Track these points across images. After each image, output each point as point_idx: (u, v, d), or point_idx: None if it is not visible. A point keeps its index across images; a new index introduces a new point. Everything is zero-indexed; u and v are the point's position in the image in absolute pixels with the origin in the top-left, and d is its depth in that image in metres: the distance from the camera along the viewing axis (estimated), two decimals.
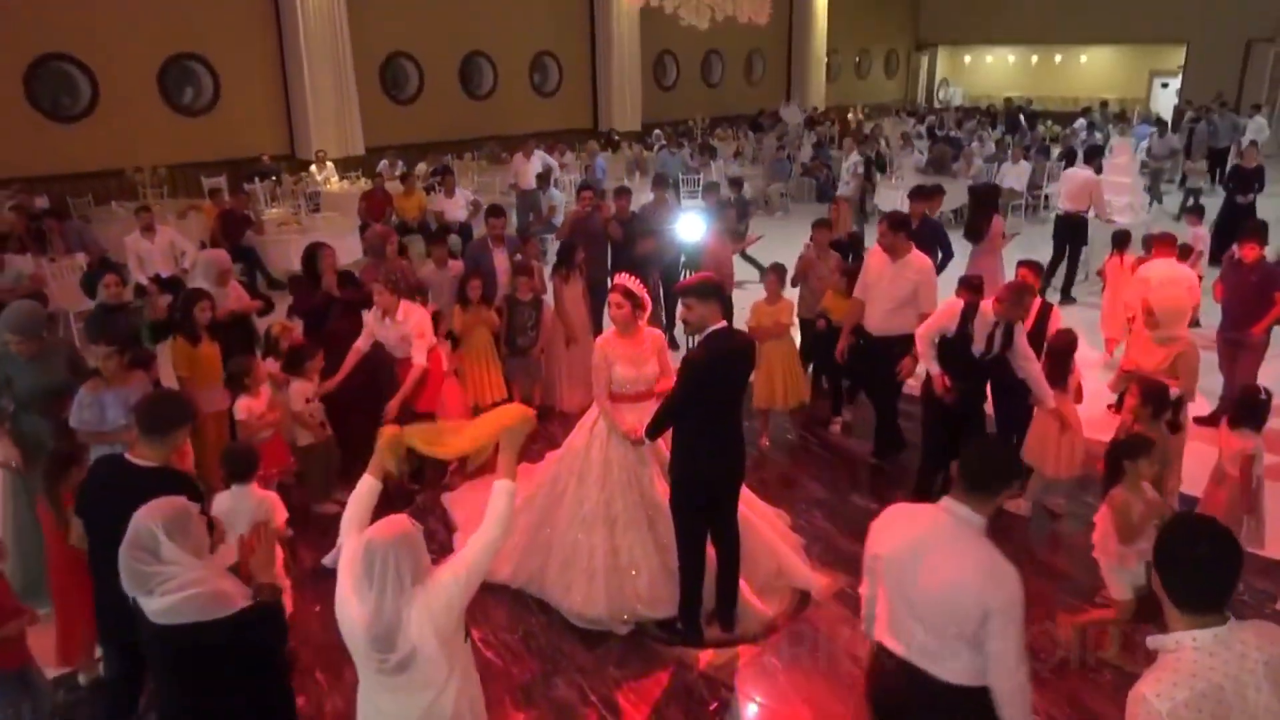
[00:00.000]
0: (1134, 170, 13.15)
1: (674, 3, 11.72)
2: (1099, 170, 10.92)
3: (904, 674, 2.90)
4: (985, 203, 9.00)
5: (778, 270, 6.91)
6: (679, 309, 4.47)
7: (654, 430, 4.55)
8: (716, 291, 4.35)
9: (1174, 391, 5.10)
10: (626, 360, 4.79)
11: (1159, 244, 7.44)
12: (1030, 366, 5.40)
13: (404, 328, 5.97)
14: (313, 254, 6.69)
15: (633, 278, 4.84)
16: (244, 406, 5.43)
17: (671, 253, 8.36)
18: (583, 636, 4.70)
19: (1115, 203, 11.22)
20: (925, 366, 5.69)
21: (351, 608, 2.71)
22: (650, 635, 4.69)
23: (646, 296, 4.85)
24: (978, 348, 5.35)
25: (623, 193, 8.75)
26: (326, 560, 2.93)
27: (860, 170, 14.01)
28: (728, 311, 5.01)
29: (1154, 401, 4.78)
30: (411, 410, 5.89)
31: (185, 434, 3.54)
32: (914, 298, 6.20)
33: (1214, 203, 15.45)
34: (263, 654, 2.91)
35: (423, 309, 6.13)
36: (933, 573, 2.77)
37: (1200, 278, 7.83)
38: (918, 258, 6.28)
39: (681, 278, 7.89)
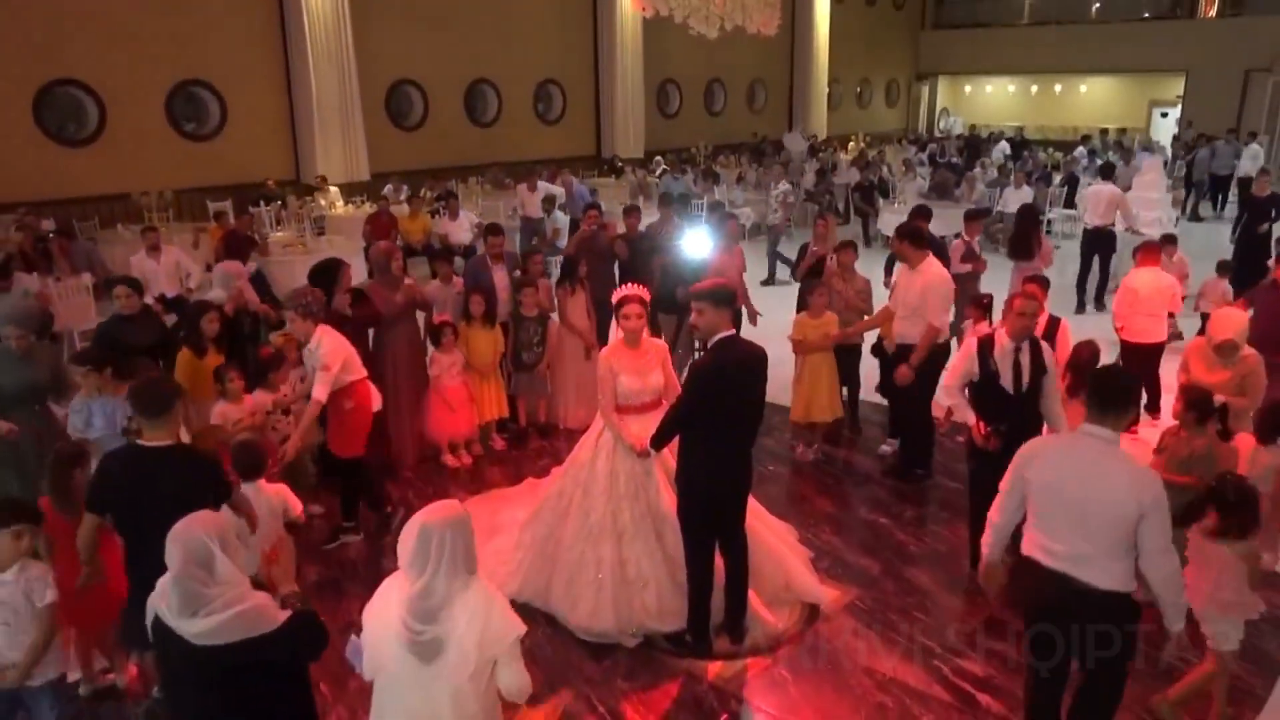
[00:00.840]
0: (1162, 186, 13.53)
1: (684, 12, 11.69)
2: (1127, 187, 11.53)
3: (1056, 582, 3.29)
4: (1030, 221, 9.30)
5: (827, 284, 6.96)
6: (691, 314, 4.41)
7: (660, 440, 4.51)
8: (730, 299, 4.34)
9: (1218, 398, 5.04)
10: (632, 371, 4.78)
11: (1144, 254, 7.55)
12: (1054, 396, 5.08)
13: (313, 356, 5.47)
14: (333, 267, 6.45)
15: (640, 286, 4.84)
16: (220, 412, 5.48)
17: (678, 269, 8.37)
18: (590, 648, 4.63)
19: (1145, 216, 11.96)
20: (960, 417, 5.35)
21: (392, 591, 2.69)
22: (659, 648, 4.63)
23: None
24: (1007, 382, 4.93)
25: (632, 211, 8.76)
26: (348, 653, 2.85)
27: (790, 199, 14.03)
28: (736, 322, 5.00)
29: (1198, 408, 4.70)
30: (354, 459, 5.69)
31: (181, 409, 3.70)
32: (923, 305, 6.18)
33: (1213, 229, 15.57)
34: (302, 664, 2.86)
35: (339, 337, 5.57)
36: (1088, 487, 3.22)
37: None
38: (930, 265, 6.26)
39: None
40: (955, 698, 4.26)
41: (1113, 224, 10.90)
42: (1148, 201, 12.52)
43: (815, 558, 5.47)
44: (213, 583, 2.58)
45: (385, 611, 2.69)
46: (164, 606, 2.64)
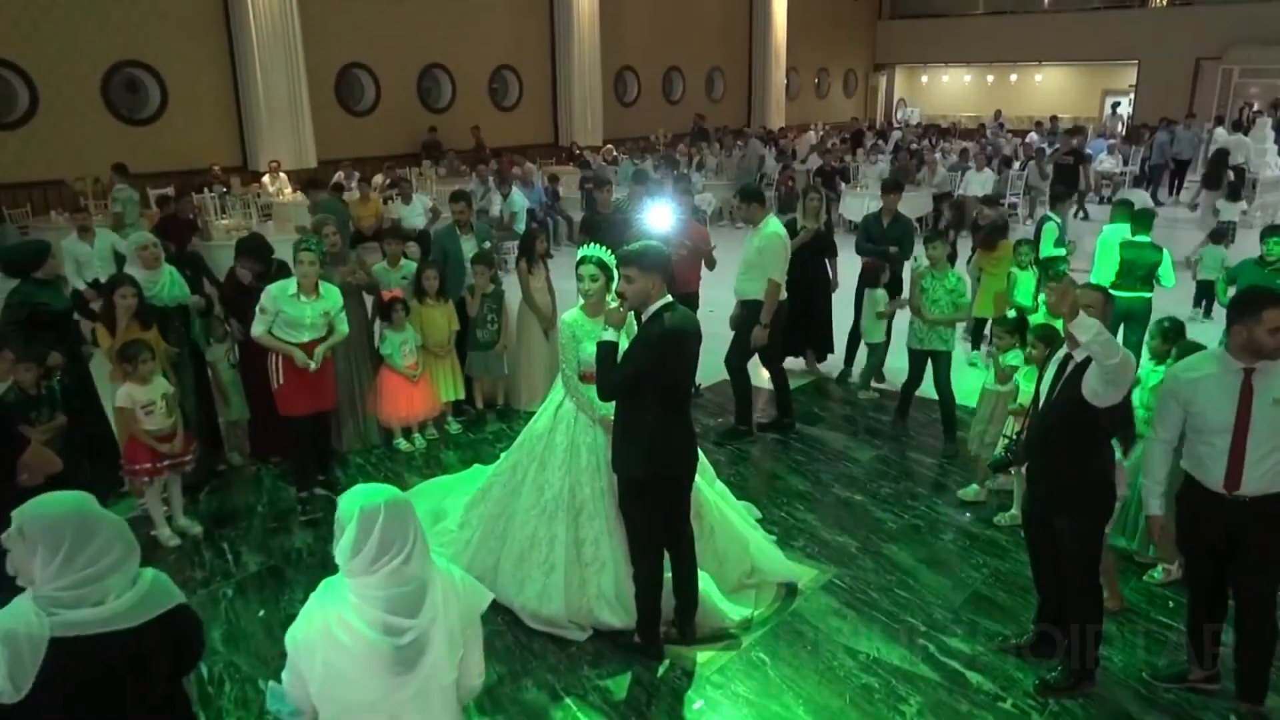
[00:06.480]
0: (1270, 138, 17.04)
1: None
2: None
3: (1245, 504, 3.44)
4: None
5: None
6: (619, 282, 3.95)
7: (611, 388, 3.97)
8: (663, 263, 3.90)
9: None
10: (595, 338, 4.44)
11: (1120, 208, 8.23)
12: None
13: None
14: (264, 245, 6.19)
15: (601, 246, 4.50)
16: (126, 394, 4.96)
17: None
18: (553, 635, 4.30)
19: (1256, 162, 16.47)
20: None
21: (330, 613, 2.24)
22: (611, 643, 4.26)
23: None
24: None
25: (604, 185, 8.41)
26: (269, 704, 2.36)
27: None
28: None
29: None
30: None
31: None
32: (761, 262, 6.36)
33: (1170, 212, 15.62)
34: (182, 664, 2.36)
35: None
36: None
37: None
38: (766, 224, 6.45)
39: None
40: (943, 676, 4.01)
41: (1243, 162, 15.78)
42: (1260, 150, 16.64)
43: (790, 537, 5.21)
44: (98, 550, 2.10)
45: (332, 635, 2.22)
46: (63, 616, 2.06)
